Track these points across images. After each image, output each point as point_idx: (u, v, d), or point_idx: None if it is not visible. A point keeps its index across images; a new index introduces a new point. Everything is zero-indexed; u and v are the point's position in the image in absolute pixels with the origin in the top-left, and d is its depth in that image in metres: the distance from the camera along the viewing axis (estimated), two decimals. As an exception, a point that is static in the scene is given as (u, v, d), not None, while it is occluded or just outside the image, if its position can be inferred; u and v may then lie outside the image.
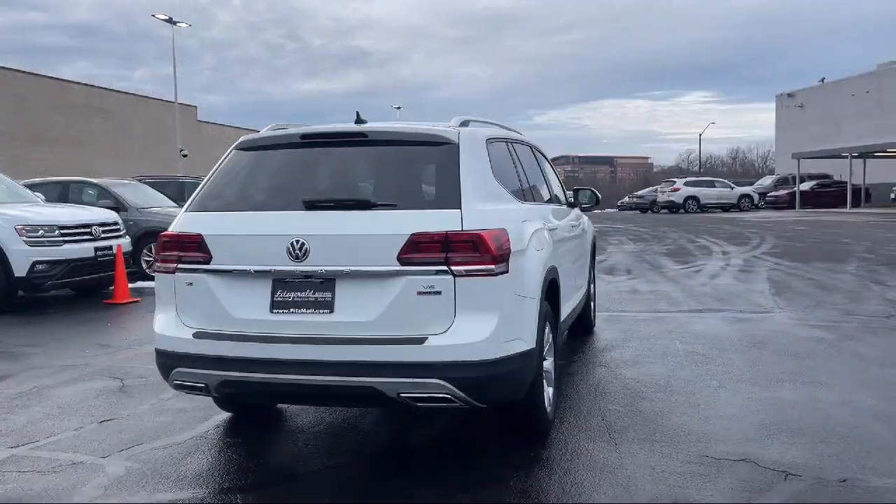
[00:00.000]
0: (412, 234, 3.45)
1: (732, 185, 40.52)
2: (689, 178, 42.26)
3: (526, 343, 3.68)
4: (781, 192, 40.26)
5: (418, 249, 3.44)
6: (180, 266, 3.78)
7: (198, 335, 3.69)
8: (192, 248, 3.76)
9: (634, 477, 3.64)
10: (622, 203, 55.62)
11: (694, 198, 38.10)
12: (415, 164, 3.86)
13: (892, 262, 12.71)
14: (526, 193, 4.62)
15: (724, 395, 4.98)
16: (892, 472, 3.62)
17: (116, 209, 11.59)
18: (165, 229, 3.94)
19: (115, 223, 10.34)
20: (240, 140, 4.16)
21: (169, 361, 3.78)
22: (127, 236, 10.64)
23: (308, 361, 3.48)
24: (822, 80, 49.54)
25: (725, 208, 38.57)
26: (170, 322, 3.82)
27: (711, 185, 40.11)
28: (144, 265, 12.08)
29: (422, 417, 4.60)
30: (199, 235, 3.74)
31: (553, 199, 5.59)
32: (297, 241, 3.54)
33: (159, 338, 3.85)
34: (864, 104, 45.41)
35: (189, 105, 50.71)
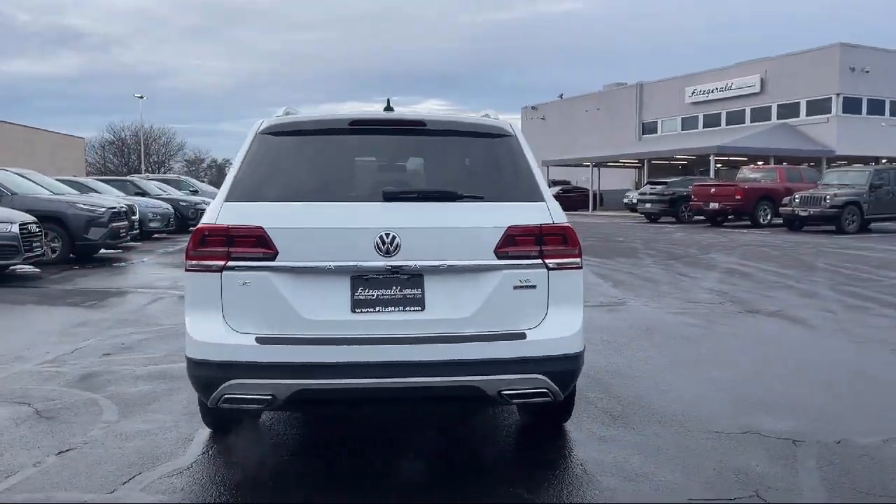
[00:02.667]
0: (509, 227, 3.39)
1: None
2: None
3: (584, 335, 3.78)
4: (533, 196, 43.98)
5: (515, 243, 3.39)
6: (231, 263, 3.31)
7: (263, 340, 3.26)
8: (250, 243, 3.31)
9: (679, 456, 3.90)
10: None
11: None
12: (479, 156, 3.75)
13: (676, 256, 14.62)
14: None
15: (672, 379, 5.46)
16: (867, 432, 4.27)
17: None
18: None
19: None
20: (266, 124, 3.73)
21: (219, 373, 3.28)
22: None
23: (402, 363, 3.26)
24: (561, 95, 55.04)
25: (486, 210, 41.18)
26: (214, 327, 3.33)
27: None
28: (-84, 269, 9.99)
29: (434, 418, 4.48)
30: (260, 228, 3.31)
31: None
32: (388, 235, 3.29)
33: (200, 346, 3.33)
34: (595, 119, 51.32)
35: None
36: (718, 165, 38.79)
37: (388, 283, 3.33)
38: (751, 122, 41.67)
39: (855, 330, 7.37)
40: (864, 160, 36.78)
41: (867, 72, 38.06)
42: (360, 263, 3.30)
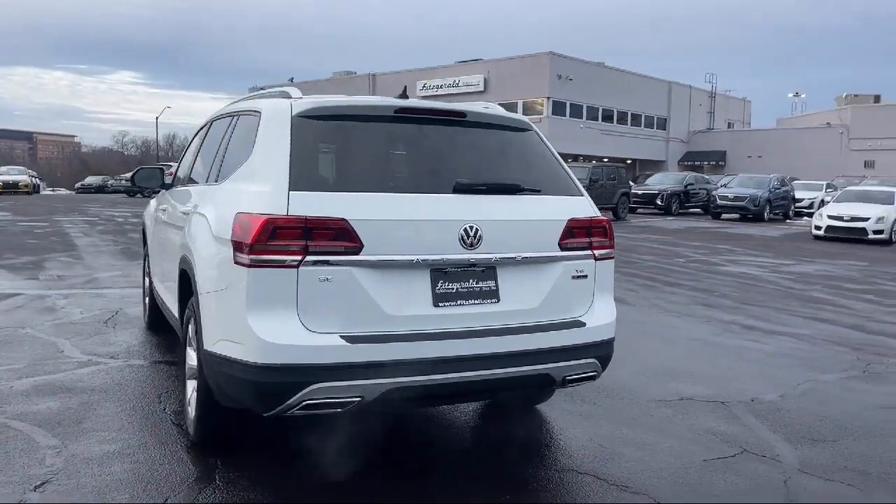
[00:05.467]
0: (570, 220, 3.55)
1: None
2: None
3: None
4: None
5: (573, 235, 3.57)
6: (310, 258, 3.03)
7: (352, 339, 3.04)
8: (330, 236, 3.06)
9: (655, 424, 4.40)
10: (83, 185, 51.80)
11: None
12: (515, 149, 3.79)
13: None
14: None
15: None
16: (762, 391, 5.16)
17: None
18: None
19: None
20: (302, 107, 3.39)
21: (300, 377, 2.99)
22: None
23: (484, 356, 3.26)
24: (292, 79, 54.18)
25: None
26: (289, 328, 3.02)
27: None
28: None
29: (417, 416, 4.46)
30: (343, 220, 3.06)
31: None
32: (472, 228, 3.26)
33: (273, 349, 3.00)
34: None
35: None
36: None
37: (466, 276, 3.31)
38: (474, 117, 45.01)
39: (666, 306, 8.62)
40: (566, 157, 41.73)
41: (571, 80, 43.33)
42: (445, 256, 3.23)
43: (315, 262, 3.04)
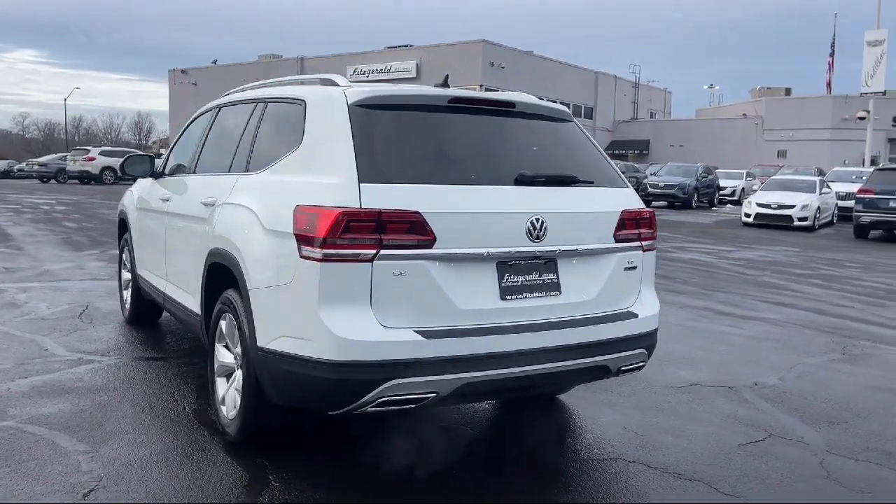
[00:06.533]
0: (623, 212, 3.57)
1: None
2: (104, 148, 40.11)
3: None
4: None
5: (625, 226, 3.59)
6: (385, 252, 2.94)
7: (428, 334, 2.98)
8: (404, 230, 2.98)
9: (678, 410, 4.50)
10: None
11: (111, 168, 36.30)
12: (562, 139, 3.76)
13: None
14: None
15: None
16: (759, 374, 5.35)
17: None
18: None
19: None
20: (358, 97, 3.28)
21: (377, 374, 2.92)
22: None
23: (549, 349, 3.26)
24: (215, 62, 52.57)
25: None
26: (364, 324, 2.93)
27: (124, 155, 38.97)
28: None
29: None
30: (417, 213, 2.99)
31: None
32: (538, 220, 3.24)
33: (349, 345, 2.91)
34: (252, 90, 50.19)
35: None
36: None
37: (530, 268, 3.29)
38: (406, 104, 44.81)
39: (636, 293, 8.81)
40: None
41: (503, 67, 43.61)
42: (512, 249, 3.20)
43: (389, 256, 2.96)
